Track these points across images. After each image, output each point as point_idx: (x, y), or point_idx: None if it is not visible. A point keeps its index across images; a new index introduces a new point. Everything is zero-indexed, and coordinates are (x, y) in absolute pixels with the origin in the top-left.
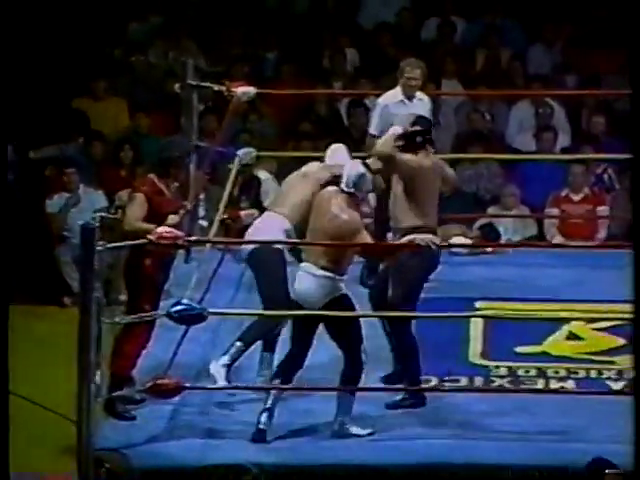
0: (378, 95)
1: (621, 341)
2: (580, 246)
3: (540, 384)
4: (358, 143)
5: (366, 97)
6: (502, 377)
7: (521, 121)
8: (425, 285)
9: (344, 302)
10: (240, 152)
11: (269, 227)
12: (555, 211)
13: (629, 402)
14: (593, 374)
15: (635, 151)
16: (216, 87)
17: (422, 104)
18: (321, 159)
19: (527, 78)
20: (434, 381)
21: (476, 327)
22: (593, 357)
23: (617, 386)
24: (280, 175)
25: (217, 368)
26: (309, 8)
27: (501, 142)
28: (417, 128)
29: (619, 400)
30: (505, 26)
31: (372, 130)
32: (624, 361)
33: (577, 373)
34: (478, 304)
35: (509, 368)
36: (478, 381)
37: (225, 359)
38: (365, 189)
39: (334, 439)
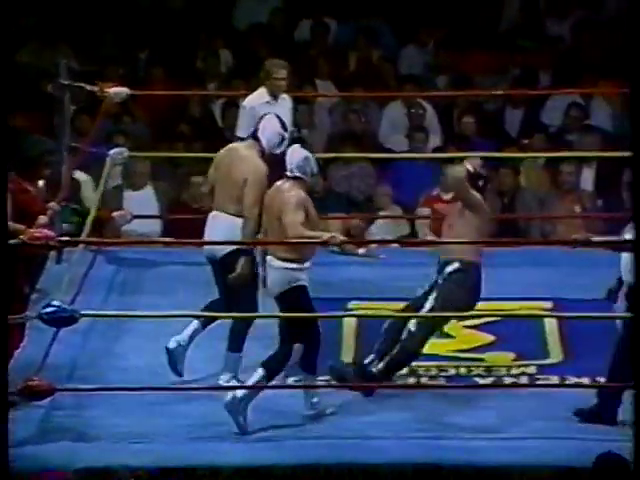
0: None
1: (491, 338)
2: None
3: (411, 383)
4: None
5: (240, 98)
6: None
7: (393, 122)
8: None
9: (294, 294)
10: (112, 152)
11: (225, 228)
12: (427, 211)
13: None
14: (463, 371)
15: (635, 151)
16: (89, 87)
17: (285, 103)
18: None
19: (399, 79)
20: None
21: (349, 327)
22: (463, 354)
23: (485, 382)
24: (155, 176)
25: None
26: (183, 9)
27: (374, 142)
28: (483, 172)
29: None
30: (377, 27)
31: (241, 133)
32: (493, 358)
33: (447, 371)
34: (351, 304)
35: None
36: (352, 381)
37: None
38: (310, 172)
39: (215, 441)
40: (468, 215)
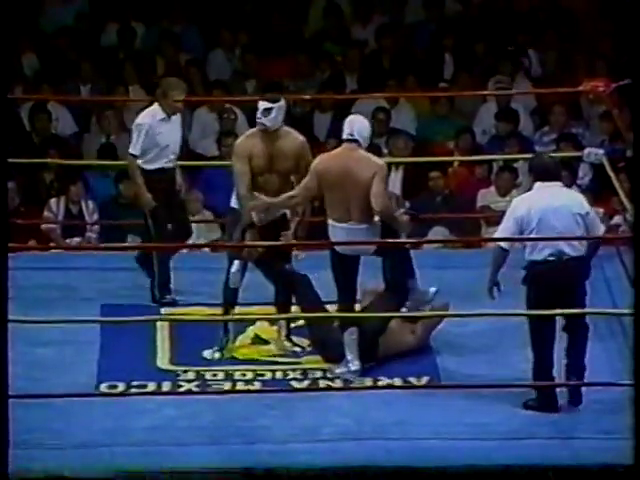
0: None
1: (305, 342)
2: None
3: (227, 387)
4: (40, 148)
5: (48, 102)
6: (190, 381)
7: (204, 127)
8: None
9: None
10: None
11: None
12: None
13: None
14: (279, 375)
15: (635, 151)
16: None
17: (177, 118)
18: None
19: (207, 84)
20: (121, 387)
21: (163, 333)
22: (279, 359)
23: (301, 386)
24: None
25: None
26: None
27: (184, 147)
28: None
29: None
30: (184, 31)
31: (135, 151)
32: (309, 361)
33: (264, 375)
34: (164, 310)
35: (197, 372)
36: (166, 386)
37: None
38: (366, 137)
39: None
40: None
